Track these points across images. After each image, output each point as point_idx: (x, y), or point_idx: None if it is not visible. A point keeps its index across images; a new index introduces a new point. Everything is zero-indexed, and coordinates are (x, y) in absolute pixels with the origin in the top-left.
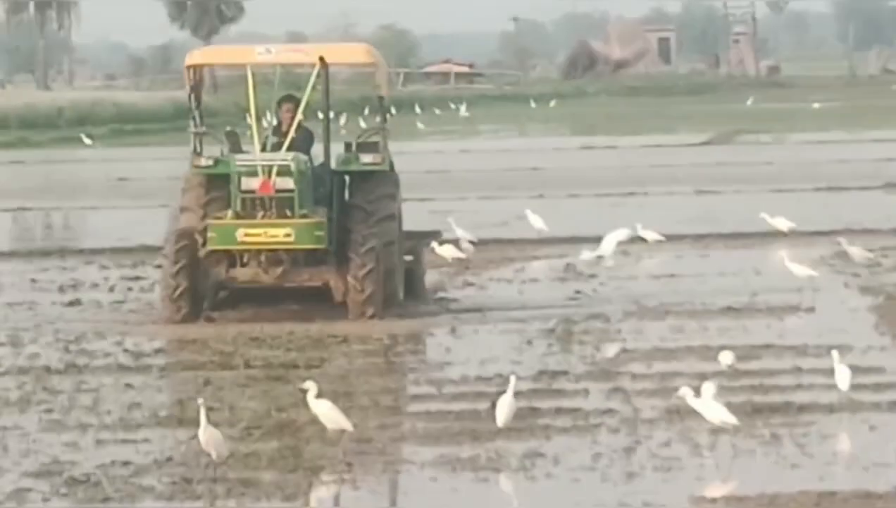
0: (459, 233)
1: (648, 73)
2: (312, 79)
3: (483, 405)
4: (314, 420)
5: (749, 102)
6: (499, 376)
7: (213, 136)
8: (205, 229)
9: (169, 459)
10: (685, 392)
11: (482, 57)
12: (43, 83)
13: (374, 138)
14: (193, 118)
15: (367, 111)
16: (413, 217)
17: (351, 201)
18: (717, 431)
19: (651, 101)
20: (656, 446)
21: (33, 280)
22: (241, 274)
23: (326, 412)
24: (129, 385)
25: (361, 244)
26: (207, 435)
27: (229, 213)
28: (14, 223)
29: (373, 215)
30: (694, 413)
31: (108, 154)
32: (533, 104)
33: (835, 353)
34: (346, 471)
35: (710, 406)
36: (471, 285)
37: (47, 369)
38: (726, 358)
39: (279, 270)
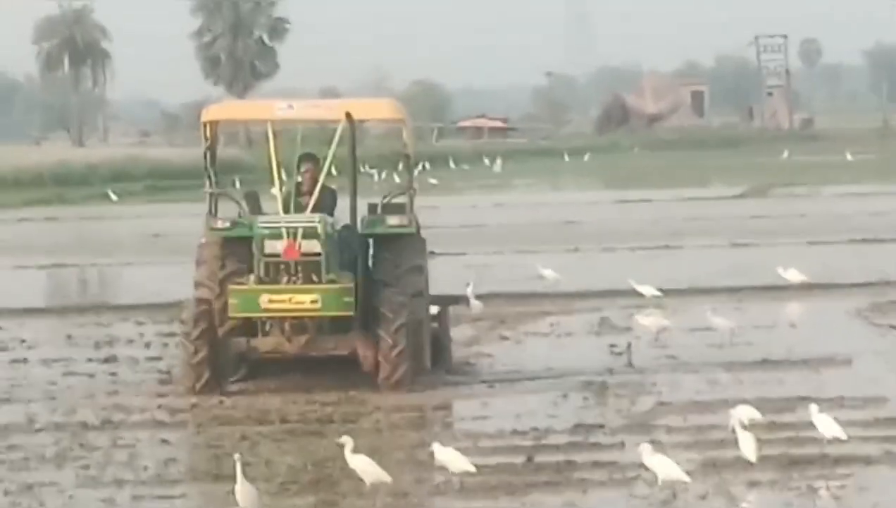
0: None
1: (682, 126)
2: (337, 136)
3: (519, 459)
4: (350, 475)
5: (785, 155)
6: (535, 429)
7: (229, 196)
8: (224, 299)
9: None
10: (644, 448)
11: (516, 111)
12: (78, 140)
13: (401, 199)
14: (209, 177)
15: (401, 167)
16: (447, 271)
17: (377, 273)
18: (754, 484)
19: (685, 154)
20: (693, 499)
21: (69, 336)
22: (263, 344)
23: (364, 467)
24: (165, 441)
25: (392, 321)
26: (244, 491)
27: (251, 278)
28: (49, 280)
29: (402, 292)
30: (731, 466)
31: (142, 210)
32: (567, 158)
33: (812, 407)
34: None
35: (663, 463)
36: (506, 338)
37: (83, 425)
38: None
39: (304, 338)
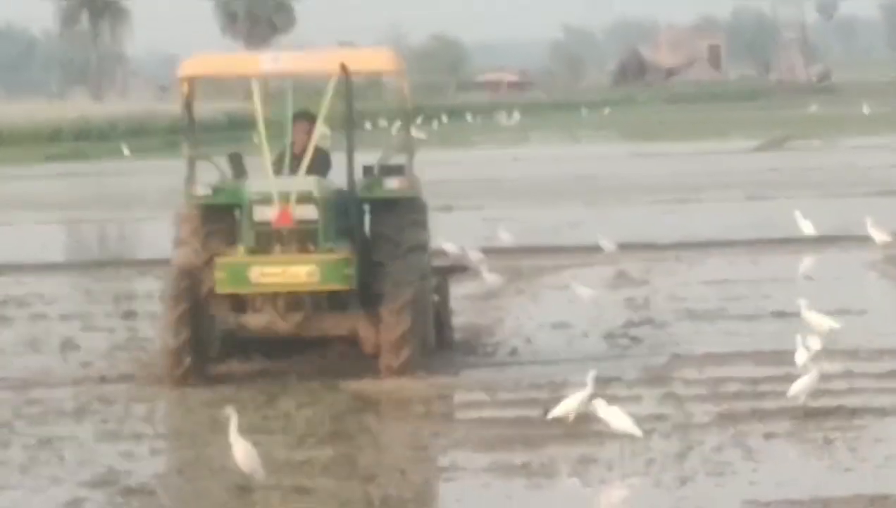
0: (470, 253)
1: (699, 79)
2: (330, 90)
3: (535, 412)
4: (368, 428)
5: (813, 109)
6: (551, 382)
7: (209, 160)
8: (210, 269)
9: (223, 467)
10: (598, 403)
11: (533, 66)
12: (97, 95)
13: (399, 160)
14: (187, 139)
15: (419, 120)
16: (466, 225)
17: (376, 244)
18: (770, 435)
19: (701, 107)
20: (709, 451)
21: (88, 291)
22: (254, 321)
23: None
24: (183, 395)
25: (395, 299)
26: (241, 450)
27: (240, 248)
28: (68, 235)
29: (401, 246)
30: (748, 418)
31: (161, 165)
32: (584, 112)
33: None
34: (400, 478)
35: (616, 416)
36: (522, 292)
37: (102, 379)
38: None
39: (299, 316)
